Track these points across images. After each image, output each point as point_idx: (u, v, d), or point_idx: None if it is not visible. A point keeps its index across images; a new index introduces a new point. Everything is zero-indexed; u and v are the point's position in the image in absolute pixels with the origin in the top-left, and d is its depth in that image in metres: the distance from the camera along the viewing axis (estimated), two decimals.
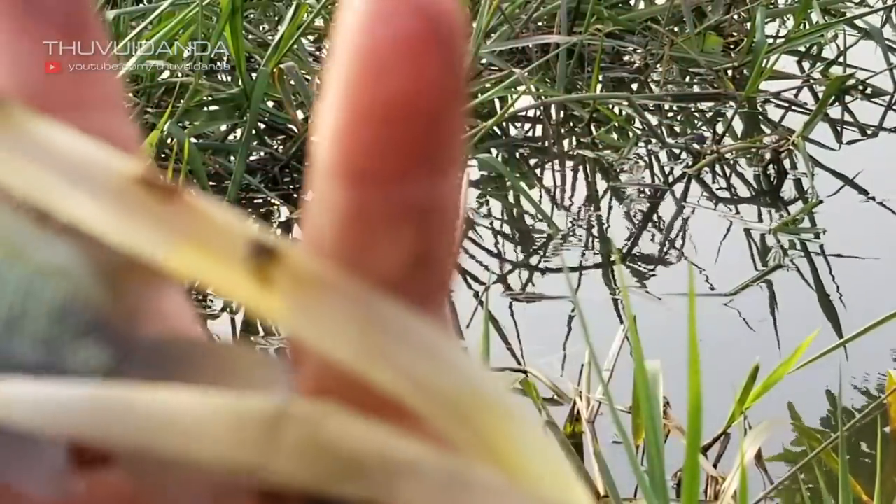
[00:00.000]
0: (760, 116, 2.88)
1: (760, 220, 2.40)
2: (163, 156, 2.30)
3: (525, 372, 1.78)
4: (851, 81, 2.94)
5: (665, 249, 2.33)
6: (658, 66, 2.97)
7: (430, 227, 0.18)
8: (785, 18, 3.25)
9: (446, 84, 0.17)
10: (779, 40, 3.05)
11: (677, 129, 2.82)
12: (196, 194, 0.17)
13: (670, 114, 2.89)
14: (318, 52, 2.84)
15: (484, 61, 2.79)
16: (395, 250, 0.18)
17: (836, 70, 2.99)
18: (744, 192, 2.56)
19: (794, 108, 2.88)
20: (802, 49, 3.12)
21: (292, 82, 2.52)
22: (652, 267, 2.25)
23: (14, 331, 0.18)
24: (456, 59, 0.17)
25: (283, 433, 0.17)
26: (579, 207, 2.50)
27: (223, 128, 2.51)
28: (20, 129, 0.18)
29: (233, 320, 2.06)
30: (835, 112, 2.84)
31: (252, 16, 2.75)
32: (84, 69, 0.22)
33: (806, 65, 3.13)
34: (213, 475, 0.18)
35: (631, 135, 2.71)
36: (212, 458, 0.17)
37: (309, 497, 0.18)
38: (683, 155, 2.67)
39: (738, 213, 2.44)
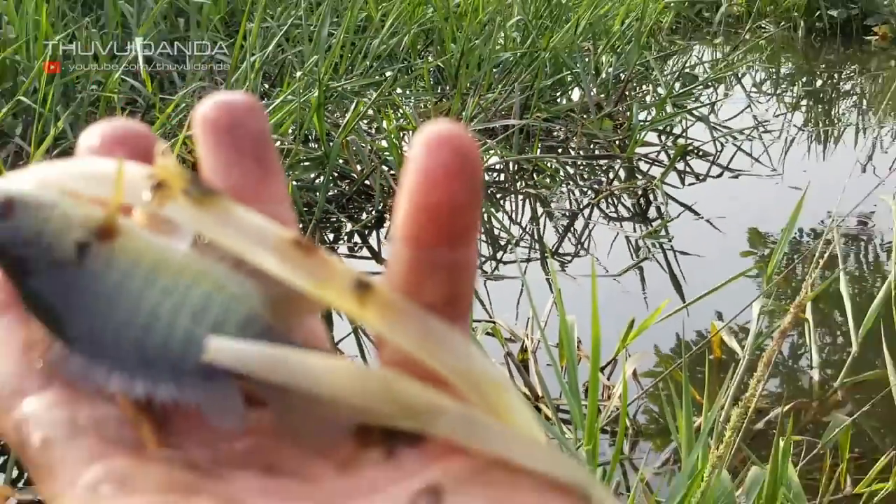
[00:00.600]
0: (636, 169, 2.91)
1: (635, 230, 2.48)
2: None
3: (494, 322, 1.82)
4: (690, 147, 3.04)
5: (578, 248, 2.41)
6: (574, 138, 2.98)
7: (457, 276, 0.21)
8: (651, 109, 3.19)
9: (469, 193, 0.20)
10: (647, 122, 3.06)
11: (585, 176, 2.88)
12: (324, 249, 0.20)
13: (581, 167, 2.93)
14: (370, 130, 2.80)
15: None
16: (436, 288, 0.21)
17: (681, 140, 3.09)
18: (625, 214, 2.63)
19: (655, 163, 2.93)
20: (661, 128, 3.13)
21: (354, 148, 2.58)
22: (570, 259, 2.33)
23: (219, 333, 0.21)
24: (475, 177, 0.20)
25: (375, 387, 0.20)
26: (527, 223, 2.58)
27: (311, 175, 2.56)
28: (226, 209, 0.21)
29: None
30: (680, 165, 2.90)
31: (330, 107, 2.71)
32: (264, 177, 0.24)
33: (663, 137, 3.16)
34: (332, 414, 0.21)
35: (558, 179, 2.80)
36: (336, 399, 0.20)
37: (386, 429, 0.21)
38: (589, 192, 2.74)
39: (622, 226, 2.52)
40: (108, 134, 0.24)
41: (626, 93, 3.26)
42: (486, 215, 2.48)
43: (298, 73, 2.71)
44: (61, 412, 0.20)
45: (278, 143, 2.49)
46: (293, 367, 0.20)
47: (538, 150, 2.84)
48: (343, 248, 2.38)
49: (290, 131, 2.53)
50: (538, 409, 1.55)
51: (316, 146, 2.56)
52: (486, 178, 2.71)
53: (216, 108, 0.23)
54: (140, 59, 2.73)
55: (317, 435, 0.20)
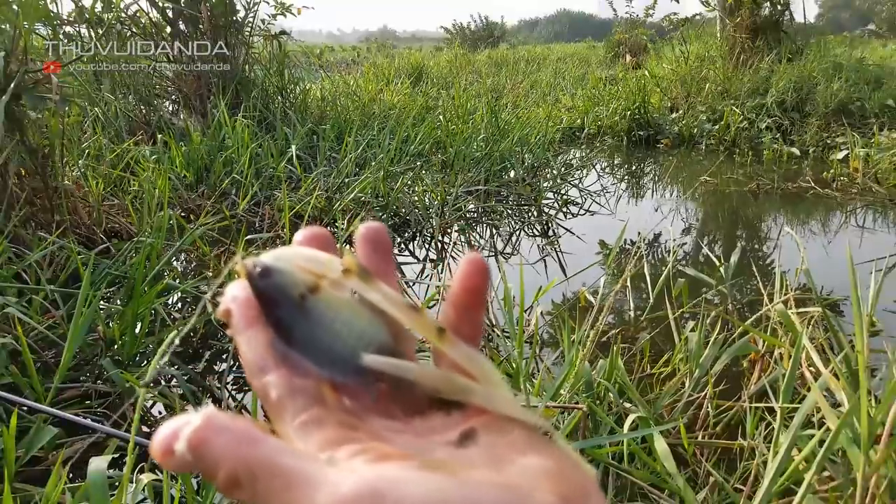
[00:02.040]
0: (542, 211, 2.73)
1: (541, 241, 2.39)
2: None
3: None
4: (569, 199, 2.89)
5: (513, 250, 2.28)
6: (511, 195, 2.82)
7: (477, 324, 0.20)
8: (549, 181, 3.02)
9: (485, 285, 0.20)
10: (547, 188, 2.94)
11: (516, 214, 2.70)
12: (425, 307, 0.15)
13: (514, 210, 2.73)
14: (409, 191, 2.57)
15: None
16: (467, 329, 0.19)
17: (565, 196, 2.93)
18: (537, 232, 2.50)
19: (552, 208, 2.79)
20: (554, 190, 2.98)
21: (401, 199, 2.42)
22: (509, 256, 2.21)
23: (365, 344, 0.19)
24: (487, 278, 0.20)
25: (440, 377, 0.19)
26: (487, 237, 2.44)
27: (379, 214, 2.37)
28: (376, 284, 0.19)
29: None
30: (564, 209, 2.77)
31: (389, 180, 2.54)
32: (388, 266, 0.22)
33: (555, 194, 2.95)
34: (419, 391, 0.19)
35: (503, 216, 2.63)
36: (421, 383, 0.19)
37: (445, 399, 0.19)
38: (518, 222, 2.60)
39: (535, 239, 2.42)
40: (308, 234, 0.23)
41: (537, 173, 3.20)
42: (466, 233, 2.43)
43: (373, 163, 2.70)
44: (286, 381, 0.19)
45: (361, 196, 2.45)
46: (403, 368, 0.19)
47: (493, 201, 2.78)
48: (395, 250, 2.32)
49: (368, 192, 2.48)
50: (493, 332, 1.47)
51: (382, 199, 2.46)
52: (467, 215, 2.56)
53: (367, 229, 0.22)
54: (294, 156, 2.75)
55: (411, 401, 0.20)
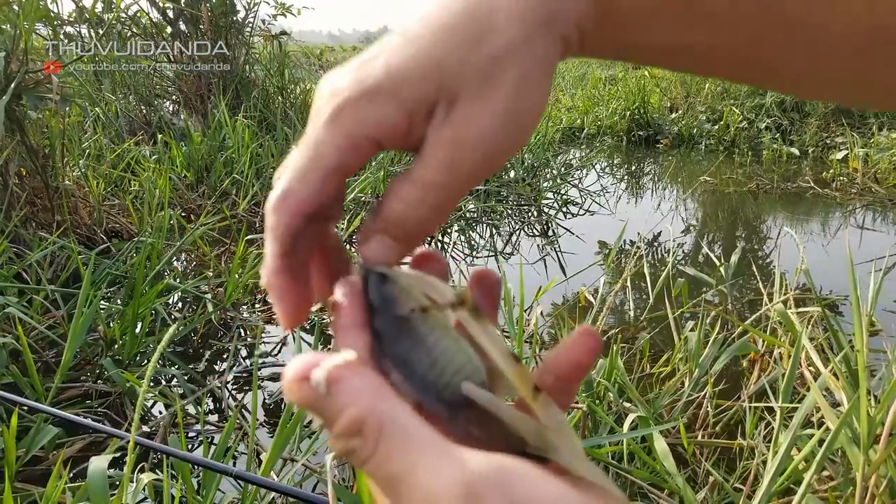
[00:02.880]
0: (542, 210, 2.72)
1: (541, 241, 2.36)
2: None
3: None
4: (568, 199, 2.88)
5: (513, 250, 2.26)
6: (511, 195, 2.78)
7: (569, 394, 0.19)
8: (549, 181, 3.03)
9: (590, 365, 0.19)
10: (547, 188, 2.92)
11: (516, 214, 2.68)
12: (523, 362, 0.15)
13: (514, 210, 2.71)
14: None
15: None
16: (561, 400, 0.18)
17: (565, 196, 2.92)
18: (536, 232, 2.48)
19: (552, 208, 2.78)
20: (554, 190, 2.95)
21: None
22: (509, 256, 2.19)
23: (461, 378, 0.18)
24: (595, 361, 0.19)
25: (522, 419, 0.17)
26: (487, 237, 2.41)
27: None
28: (485, 322, 0.18)
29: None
30: (564, 209, 2.75)
31: (389, 179, 2.59)
32: (494, 301, 0.21)
33: (555, 194, 2.92)
34: (507, 433, 0.17)
35: (503, 216, 2.63)
36: (514, 426, 0.17)
37: (520, 451, 0.17)
38: (519, 222, 2.59)
39: (535, 239, 2.39)
40: (421, 254, 0.21)
41: (537, 173, 3.15)
42: (466, 233, 2.42)
43: (373, 163, 2.67)
44: (377, 379, 0.17)
45: (361, 196, 2.42)
46: (501, 408, 0.18)
47: (493, 201, 2.77)
48: None
49: (368, 191, 2.45)
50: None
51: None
52: (467, 215, 2.55)
53: (481, 273, 0.21)
54: None
55: (487, 444, 0.18)
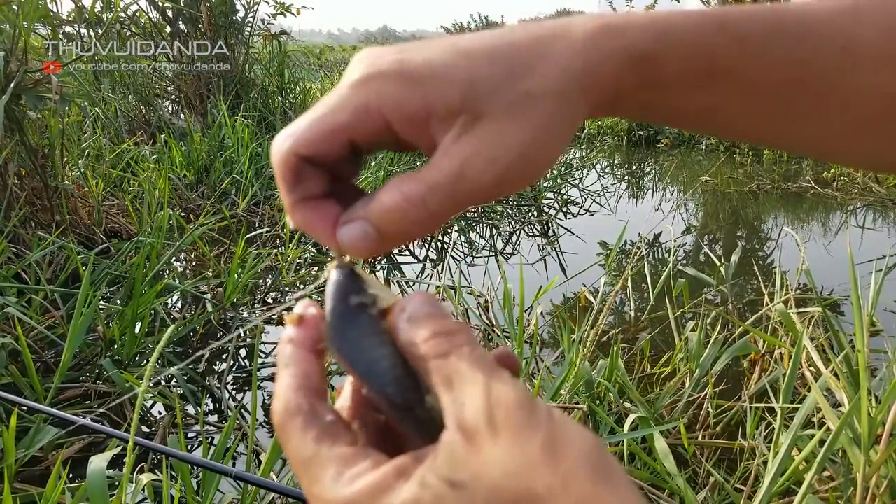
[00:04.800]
0: (542, 210, 2.76)
1: (541, 241, 2.37)
2: None
3: (471, 288, 1.67)
4: (569, 199, 2.89)
5: (513, 250, 2.26)
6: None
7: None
8: (549, 181, 2.99)
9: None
10: (547, 187, 2.91)
11: (516, 214, 2.70)
12: None
13: (514, 209, 2.73)
14: None
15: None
16: None
17: (565, 196, 2.93)
18: (536, 232, 2.49)
19: (552, 208, 2.81)
20: (554, 190, 2.96)
21: None
22: (509, 256, 2.20)
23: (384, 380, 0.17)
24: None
25: None
26: (487, 237, 2.41)
27: None
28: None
29: None
30: (564, 208, 2.79)
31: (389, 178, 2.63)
32: None
33: (555, 194, 2.96)
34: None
35: (503, 216, 2.65)
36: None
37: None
38: (519, 222, 2.60)
39: (535, 239, 2.40)
40: (499, 352, 0.20)
41: None
42: (466, 233, 2.42)
43: (373, 163, 2.67)
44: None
45: None
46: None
47: (493, 200, 2.78)
48: None
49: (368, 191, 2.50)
50: (493, 332, 1.46)
51: None
52: (467, 215, 2.56)
53: (500, 354, 0.20)
54: None
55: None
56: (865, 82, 0.19)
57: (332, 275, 0.19)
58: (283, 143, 0.19)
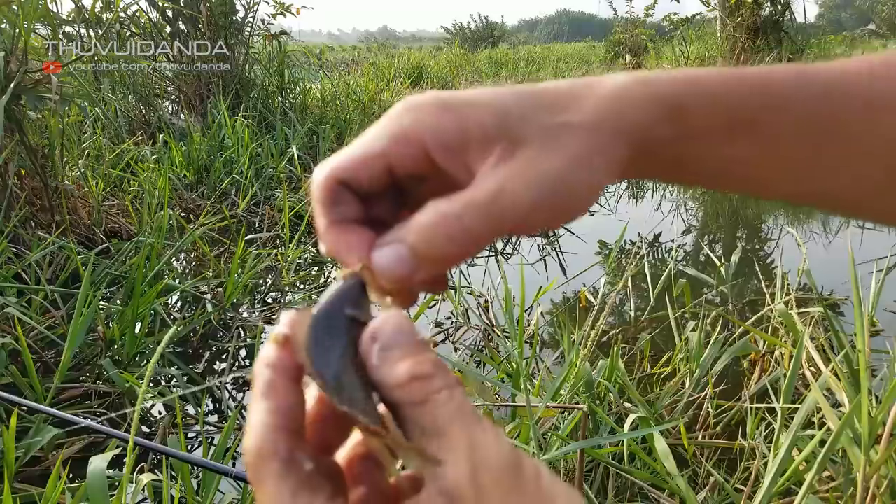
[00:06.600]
0: None
1: (541, 241, 2.33)
2: None
3: (471, 287, 1.68)
4: None
5: (513, 250, 2.25)
6: None
7: None
8: None
9: None
10: None
11: None
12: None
13: None
14: None
15: None
16: None
17: None
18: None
19: None
20: None
21: None
22: (509, 256, 2.19)
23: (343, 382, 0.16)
24: None
25: None
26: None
27: None
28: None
29: None
30: None
31: None
32: None
33: None
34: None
35: None
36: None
37: None
38: None
39: (535, 238, 2.36)
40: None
41: None
42: None
43: None
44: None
45: None
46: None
47: None
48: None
49: None
50: (493, 332, 1.46)
51: None
52: None
53: None
54: (295, 156, 2.75)
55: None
56: (889, 136, 0.19)
57: (338, 280, 0.18)
58: (323, 167, 0.20)
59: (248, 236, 1.92)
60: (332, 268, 2.05)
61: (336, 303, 0.17)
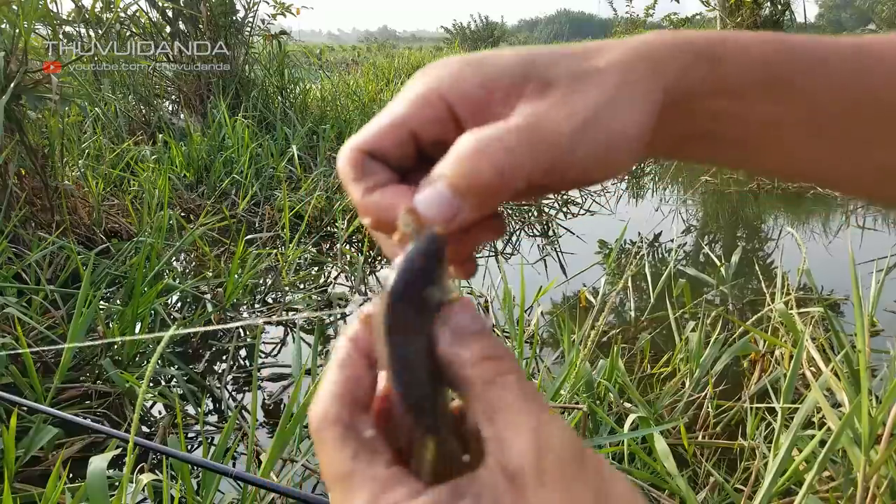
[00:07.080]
0: (542, 210, 2.64)
1: (541, 241, 2.33)
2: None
3: (471, 287, 1.69)
4: (568, 199, 2.84)
5: (513, 251, 2.24)
6: None
7: None
8: None
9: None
10: None
11: (516, 214, 2.64)
12: None
13: (514, 209, 2.60)
14: None
15: None
16: None
17: (564, 196, 2.92)
18: (537, 232, 2.44)
19: (552, 208, 2.74)
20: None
21: None
22: (509, 256, 2.18)
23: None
24: None
25: None
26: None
27: None
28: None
29: None
30: (564, 208, 2.72)
31: None
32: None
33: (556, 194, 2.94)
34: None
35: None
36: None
37: None
38: (519, 221, 2.56)
39: (535, 239, 2.35)
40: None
41: None
42: None
43: None
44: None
45: None
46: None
47: None
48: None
49: None
50: (493, 332, 1.49)
51: None
52: None
53: None
54: (295, 156, 2.75)
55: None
56: None
57: (415, 242, 0.16)
58: (346, 144, 0.19)
59: (248, 236, 1.92)
60: (334, 271, 2.03)
61: (411, 281, 0.16)
